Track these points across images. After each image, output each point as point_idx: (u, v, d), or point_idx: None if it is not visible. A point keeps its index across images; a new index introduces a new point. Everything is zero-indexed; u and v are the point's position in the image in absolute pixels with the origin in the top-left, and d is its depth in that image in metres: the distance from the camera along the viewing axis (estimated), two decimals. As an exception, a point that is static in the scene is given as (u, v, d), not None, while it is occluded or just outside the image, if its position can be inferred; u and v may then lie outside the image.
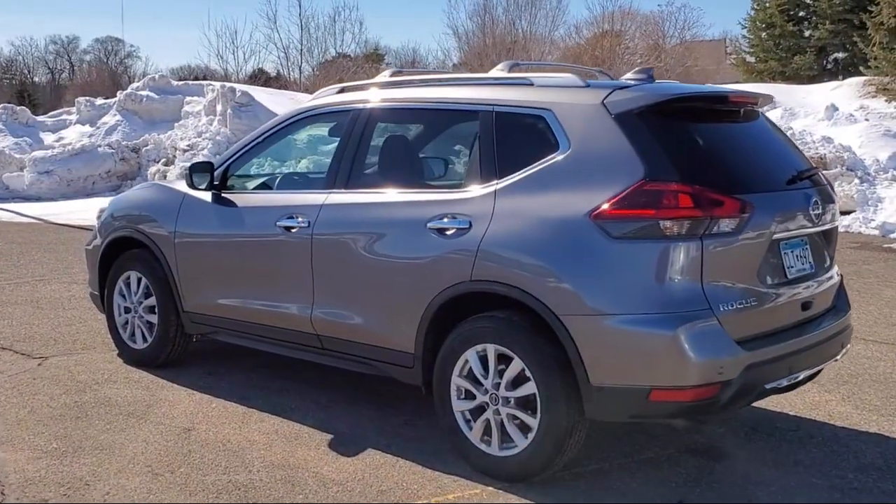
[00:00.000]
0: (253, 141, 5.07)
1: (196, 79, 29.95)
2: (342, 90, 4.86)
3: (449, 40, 52.23)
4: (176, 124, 18.17)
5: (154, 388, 5.19)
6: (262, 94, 18.85)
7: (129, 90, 19.42)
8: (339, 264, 4.40)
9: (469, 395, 3.96)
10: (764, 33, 25.12)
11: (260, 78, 37.40)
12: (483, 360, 3.91)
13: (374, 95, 4.61)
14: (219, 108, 17.20)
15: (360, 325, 4.36)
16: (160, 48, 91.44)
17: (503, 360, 3.84)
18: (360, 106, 4.60)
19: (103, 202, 13.62)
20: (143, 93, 19.07)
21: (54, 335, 6.42)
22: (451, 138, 4.66)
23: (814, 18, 24.27)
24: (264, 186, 5.38)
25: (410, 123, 4.93)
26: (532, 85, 4.04)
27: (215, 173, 5.04)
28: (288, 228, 4.60)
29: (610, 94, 3.78)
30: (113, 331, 5.76)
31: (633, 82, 3.96)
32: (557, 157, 3.78)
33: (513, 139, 4.02)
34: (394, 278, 4.17)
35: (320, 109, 4.84)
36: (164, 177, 16.73)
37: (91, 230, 6.50)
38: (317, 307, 4.52)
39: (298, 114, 4.92)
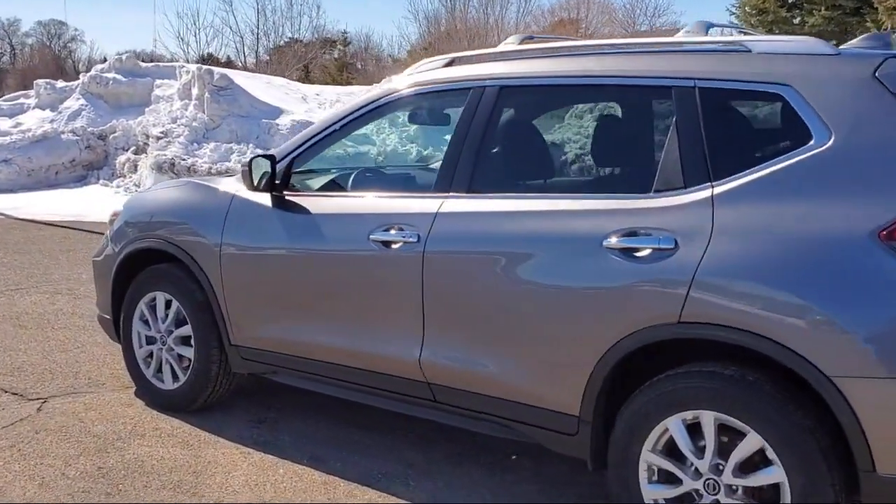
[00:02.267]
0: (328, 128, 3.93)
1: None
2: (451, 62, 3.72)
3: (409, 25, 51.00)
4: (146, 109, 16.75)
5: (196, 445, 4.03)
6: (238, 77, 17.48)
7: (93, 72, 17.91)
8: (463, 293, 3.30)
9: (669, 479, 2.91)
10: (755, 19, 24.35)
11: (209, 63, 35.88)
12: (693, 430, 2.83)
13: (505, 69, 3.49)
14: (195, 91, 15.84)
15: (495, 375, 3.26)
16: (105, 32, 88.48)
17: (726, 432, 2.78)
18: (487, 82, 3.48)
19: (113, 202, 12.27)
20: (109, 75, 17.60)
21: (49, 365, 5.21)
22: (625, 124, 3.54)
23: (808, 4, 23.57)
24: (335, 186, 4.21)
25: (562, 105, 3.83)
26: (750, 52, 2.96)
27: (277, 168, 3.88)
28: (387, 244, 3.49)
29: (881, 64, 2.72)
30: (132, 365, 4.58)
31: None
32: (812, 150, 2.73)
33: (731, 126, 2.97)
34: (551, 315, 3.09)
35: (425, 87, 3.71)
36: (135, 167, 15.38)
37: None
38: (429, 348, 3.41)
39: (391, 93, 3.77)
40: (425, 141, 17.18)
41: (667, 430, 2.90)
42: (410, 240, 3.42)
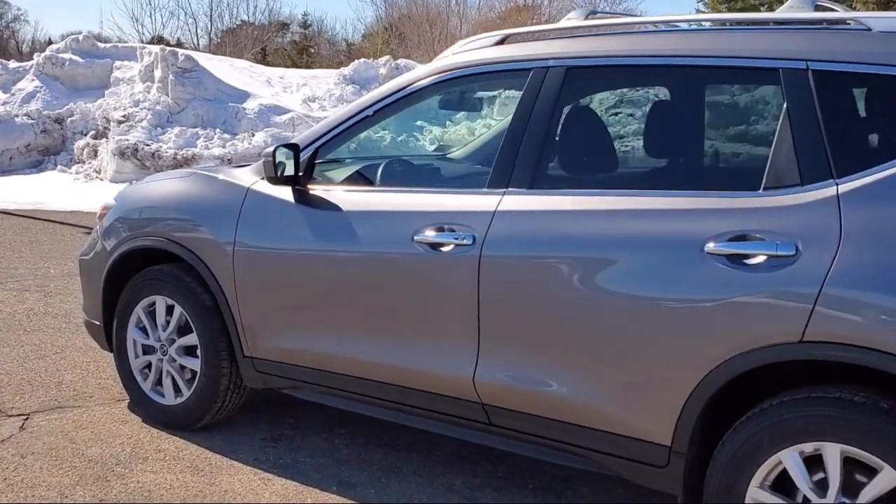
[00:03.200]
0: (359, 113, 3.47)
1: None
2: (503, 40, 3.28)
3: (366, 8, 50.24)
4: (106, 92, 16.02)
5: (208, 471, 3.57)
6: (202, 59, 16.79)
7: (48, 52, 17.08)
8: (527, 302, 2.90)
9: (781, 518, 2.51)
10: (724, 6, 24.22)
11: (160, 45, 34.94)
12: (811, 464, 2.46)
13: (572, 47, 3.07)
14: (158, 73, 15.16)
15: (566, 397, 2.86)
16: (49, 11, 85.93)
17: (853, 467, 2.41)
18: (551, 62, 3.06)
19: (103, 193, 11.58)
20: (66, 55, 16.80)
21: (26, 375, 4.69)
22: (721, 111, 3.13)
23: (777, -7, 23.54)
24: (361, 179, 3.76)
25: (642, 88, 3.39)
26: (870, 30, 2.57)
27: (301, 159, 3.42)
28: (435, 246, 3.06)
29: None
30: (126, 377, 4.10)
31: None
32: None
33: (853, 114, 2.59)
34: (639, 331, 2.69)
35: (475, 68, 3.27)
36: (95, 152, 14.68)
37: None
38: (484, 364, 3.00)
39: (438, 73, 3.34)
40: (398, 127, 16.69)
41: (780, 463, 2.52)
42: (464, 242, 3.00)
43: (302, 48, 37.71)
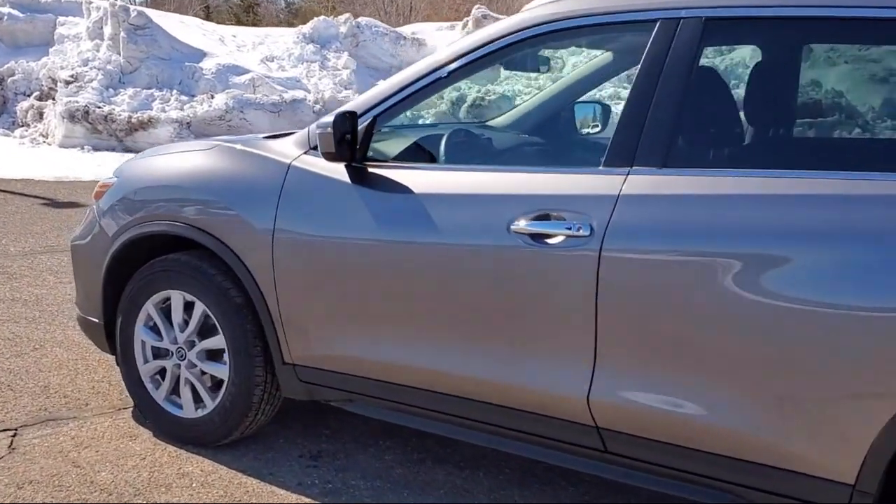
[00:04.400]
0: (430, 74, 2.88)
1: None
2: (614, -14, 2.72)
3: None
4: (50, 50, 14.99)
5: (246, 501, 2.99)
6: (153, 15, 15.80)
7: (-16, 6, 15.97)
8: (665, 309, 2.36)
9: None
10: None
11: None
12: None
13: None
14: (108, 30, 14.19)
15: (712, 423, 2.37)
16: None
17: None
18: (683, 12, 2.51)
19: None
20: (4, 10, 15.68)
21: (5, 377, 4.05)
22: None
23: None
24: (422, 153, 3.17)
25: (808, 44, 2.85)
26: None
27: (359, 129, 2.83)
28: (539, 237, 2.51)
29: None
30: (133, 384, 3.49)
31: None
32: None
33: None
34: (821, 346, 2.18)
35: (582, 19, 2.70)
36: (41, 115, 13.71)
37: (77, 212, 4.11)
38: (602, 381, 2.48)
39: (532, 26, 2.75)
40: (361, 87, 15.95)
41: None
42: (580, 233, 2.45)
43: (248, 5, 36.36)
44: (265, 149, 3.16)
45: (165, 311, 3.38)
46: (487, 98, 14.92)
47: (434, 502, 3.04)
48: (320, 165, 2.98)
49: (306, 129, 3.13)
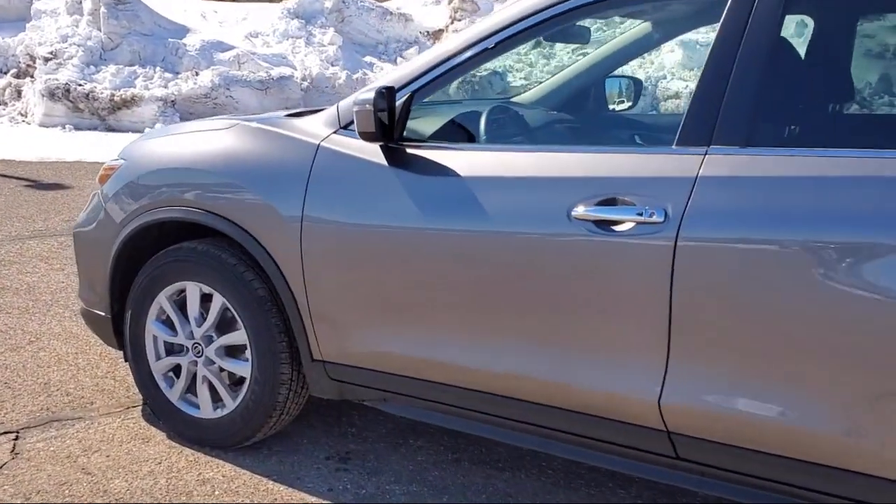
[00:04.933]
0: (474, 45, 2.64)
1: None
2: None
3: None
4: (27, 25, 14.53)
5: (276, 510, 2.76)
6: (133, -9, 15.34)
7: (-43, -20, 15.45)
8: (751, 304, 2.14)
9: None
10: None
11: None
12: None
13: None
14: (87, 5, 13.74)
15: (801, 428, 2.14)
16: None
17: None
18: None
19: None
20: (-23, -16, 15.20)
21: (4, 375, 3.79)
22: None
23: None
24: (461, 132, 2.93)
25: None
26: None
27: (396, 105, 2.58)
28: (605, 224, 2.28)
29: None
30: (144, 381, 3.24)
31: None
32: None
33: None
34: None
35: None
36: (19, 93, 13.29)
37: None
38: (675, 383, 2.27)
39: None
40: (347, 64, 15.61)
41: None
42: (652, 219, 2.23)
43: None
44: (290, 128, 2.91)
45: (180, 304, 3.13)
46: (477, 74, 14.63)
47: (477, 509, 2.82)
48: (353, 146, 2.73)
49: (335, 107, 2.88)
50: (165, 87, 12.64)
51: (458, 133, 2.89)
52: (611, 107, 3.75)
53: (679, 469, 2.39)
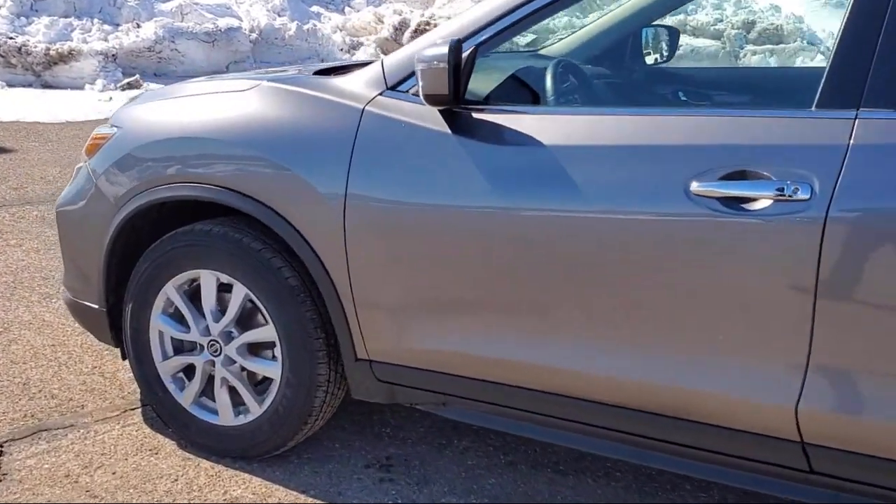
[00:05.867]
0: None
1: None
2: None
3: None
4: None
5: (324, 535, 2.38)
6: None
7: None
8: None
9: None
10: None
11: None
12: None
13: None
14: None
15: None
16: None
17: None
18: None
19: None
20: None
21: (-28, 373, 3.30)
22: None
23: None
24: (523, 92, 2.52)
25: None
26: None
27: (462, 59, 2.17)
28: (733, 201, 1.91)
29: None
30: (148, 383, 2.80)
31: None
32: None
33: None
34: None
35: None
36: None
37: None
38: (816, 388, 1.94)
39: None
40: (295, 15, 14.92)
41: None
42: (796, 196, 1.88)
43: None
44: (325, 89, 2.47)
45: (192, 296, 2.69)
46: (433, 22, 14.11)
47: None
48: (406, 110, 2.32)
49: (377, 64, 2.45)
50: (105, 40, 11.86)
51: (522, 93, 2.49)
52: (649, 60, 3.39)
53: (812, 484, 2.07)
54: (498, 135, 2.22)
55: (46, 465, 2.68)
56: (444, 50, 2.08)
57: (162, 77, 11.99)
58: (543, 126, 2.20)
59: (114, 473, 2.65)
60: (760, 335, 1.98)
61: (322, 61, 13.52)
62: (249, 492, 2.58)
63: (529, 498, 2.60)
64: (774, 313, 1.95)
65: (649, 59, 3.39)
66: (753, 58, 12.13)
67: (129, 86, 11.08)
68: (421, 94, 2.18)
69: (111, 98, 10.51)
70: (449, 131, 2.25)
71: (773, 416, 2.01)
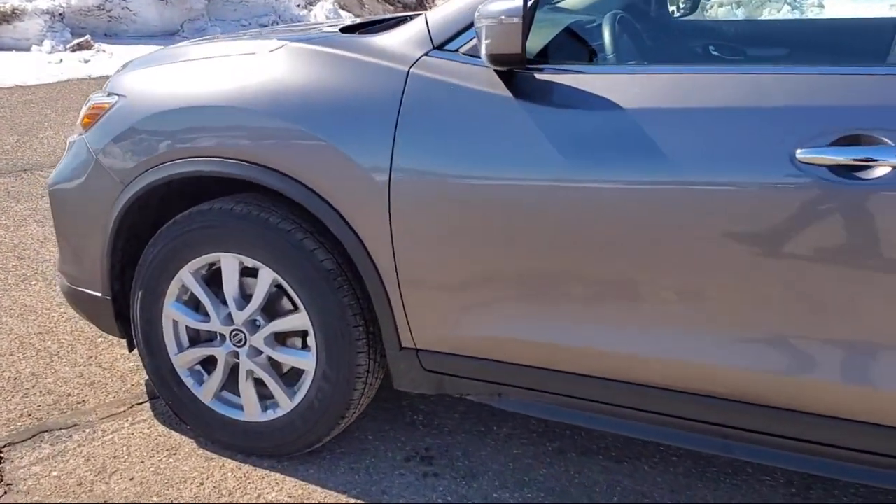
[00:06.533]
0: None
1: None
2: None
3: None
4: None
5: (375, 542, 2.18)
6: None
7: None
8: None
9: None
10: None
11: None
12: None
13: None
14: None
15: None
16: None
17: None
18: None
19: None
20: None
21: (-45, 368, 3.02)
22: None
23: None
24: (584, 50, 2.29)
25: None
26: None
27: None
28: (846, 169, 1.71)
29: None
30: (164, 379, 2.55)
31: None
32: None
33: None
34: None
35: None
36: None
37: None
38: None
39: None
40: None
41: None
42: (921, 162, 1.68)
43: None
44: (362, 50, 2.21)
45: (208, 282, 2.43)
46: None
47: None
48: (458, 72, 2.07)
49: (421, 21, 2.19)
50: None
51: (580, 51, 2.26)
52: (674, 9, 3.17)
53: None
54: (568, 98, 2.00)
55: (55, 473, 2.43)
56: (518, 3, 1.84)
57: (113, 38, 11.46)
58: (620, 87, 1.98)
59: (131, 479, 2.41)
60: (883, 316, 1.79)
61: (279, 19, 13.04)
62: (285, 494, 2.36)
63: (587, 490, 2.42)
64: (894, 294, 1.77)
65: (671, 10, 3.18)
66: (720, 10, 11.95)
67: (80, 47, 10.56)
68: (485, 53, 1.94)
69: (61, 60, 9.99)
70: (510, 95, 2.02)
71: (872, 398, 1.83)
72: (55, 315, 3.42)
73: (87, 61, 9.98)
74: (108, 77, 9.18)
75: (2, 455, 2.52)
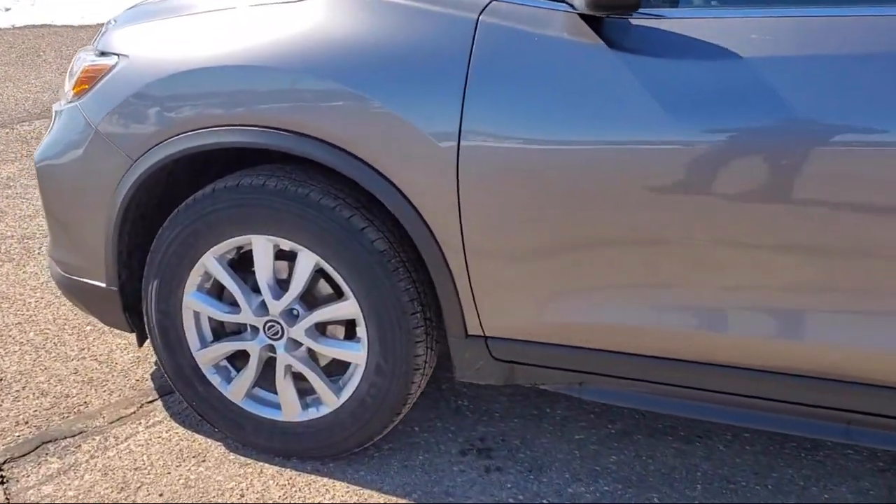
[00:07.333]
0: None
1: None
2: None
3: None
4: None
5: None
6: None
7: None
8: None
9: None
10: None
11: None
12: None
13: None
14: None
15: None
16: None
17: None
18: None
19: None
20: None
21: (-71, 370, 2.67)
22: None
23: None
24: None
25: None
26: None
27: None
28: None
29: None
30: (186, 376, 2.25)
31: None
32: None
33: None
34: None
35: None
36: None
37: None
38: None
39: None
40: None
41: None
42: None
43: None
44: (417, -9, 1.90)
45: (235, 266, 2.13)
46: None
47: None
48: (535, 18, 1.80)
49: (486, -40, 1.89)
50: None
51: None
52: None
53: None
54: (674, 47, 1.73)
55: (70, 492, 2.13)
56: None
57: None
58: (734, 32, 1.72)
59: (161, 495, 2.12)
60: None
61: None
62: (338, 501, 2.10)
63: (666, 477, 2.21)
64: None
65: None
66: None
67: (0, -5, 9.81)
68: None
69: (9, 8, 9.27)
70: (602, 43, 1.74)
71: None
72: (32, 301, 3.07)
73: (7, 9, 9.28)
74: (36, 27, 8.53)
75: (3, 473, 2.20)
